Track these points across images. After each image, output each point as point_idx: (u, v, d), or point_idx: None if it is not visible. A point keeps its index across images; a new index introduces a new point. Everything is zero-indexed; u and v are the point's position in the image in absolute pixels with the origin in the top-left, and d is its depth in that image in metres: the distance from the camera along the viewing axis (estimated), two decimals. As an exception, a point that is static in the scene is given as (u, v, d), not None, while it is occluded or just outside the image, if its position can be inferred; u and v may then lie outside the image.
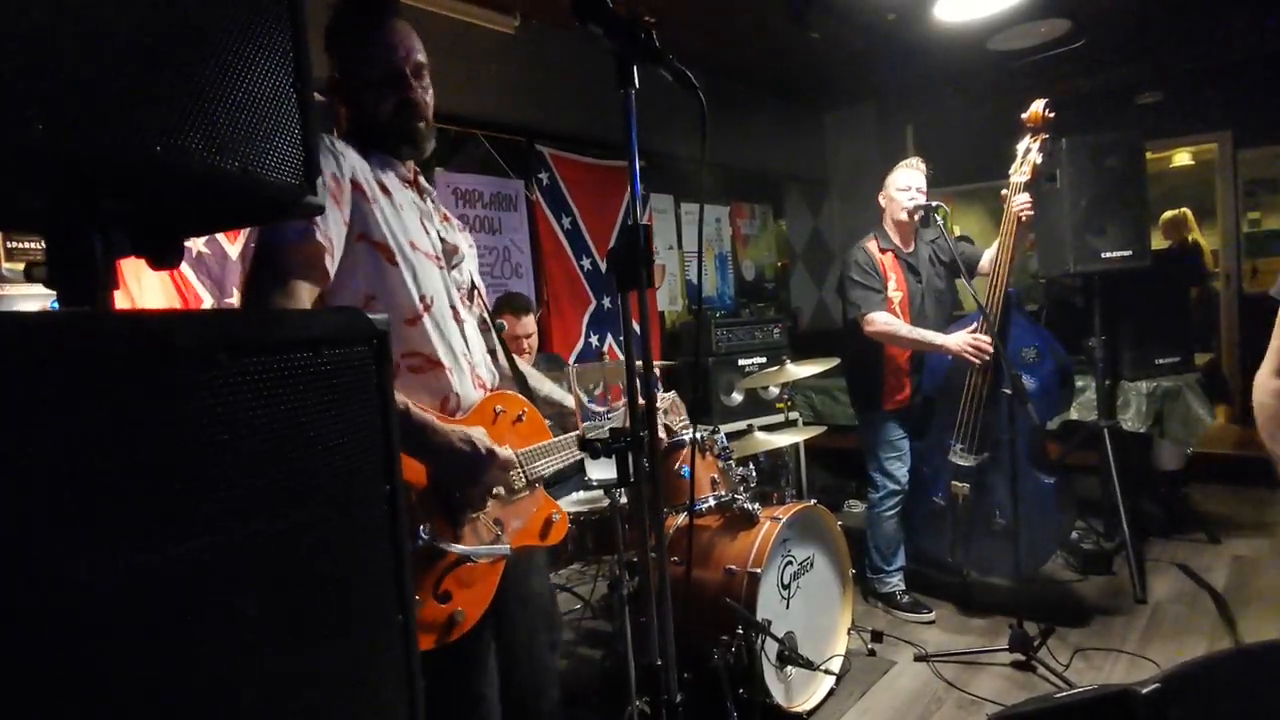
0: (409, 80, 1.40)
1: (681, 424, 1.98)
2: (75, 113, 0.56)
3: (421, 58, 1.43)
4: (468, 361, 1.45)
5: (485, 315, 1.60)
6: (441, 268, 1.44)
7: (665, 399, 1.89)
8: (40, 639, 0.49)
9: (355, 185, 1.30)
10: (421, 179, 1.51)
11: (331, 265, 1.22)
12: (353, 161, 1.32)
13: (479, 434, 1.32)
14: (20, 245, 2.34)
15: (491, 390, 1.51)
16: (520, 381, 1.63)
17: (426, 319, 1.36)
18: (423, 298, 1.36)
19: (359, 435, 0.73)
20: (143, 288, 2.55)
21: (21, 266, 2.17)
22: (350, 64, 1.40)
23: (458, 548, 1.31)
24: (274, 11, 0.73)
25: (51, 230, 0.70)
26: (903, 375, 3.10)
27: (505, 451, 1.37)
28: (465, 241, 1.57)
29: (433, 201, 1.52)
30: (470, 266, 1.56)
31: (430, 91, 1.44)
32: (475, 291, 1.56)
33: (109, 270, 0.71)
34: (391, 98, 1.39)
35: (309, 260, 1.19)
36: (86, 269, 0.69)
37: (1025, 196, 2.82)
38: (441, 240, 1.46)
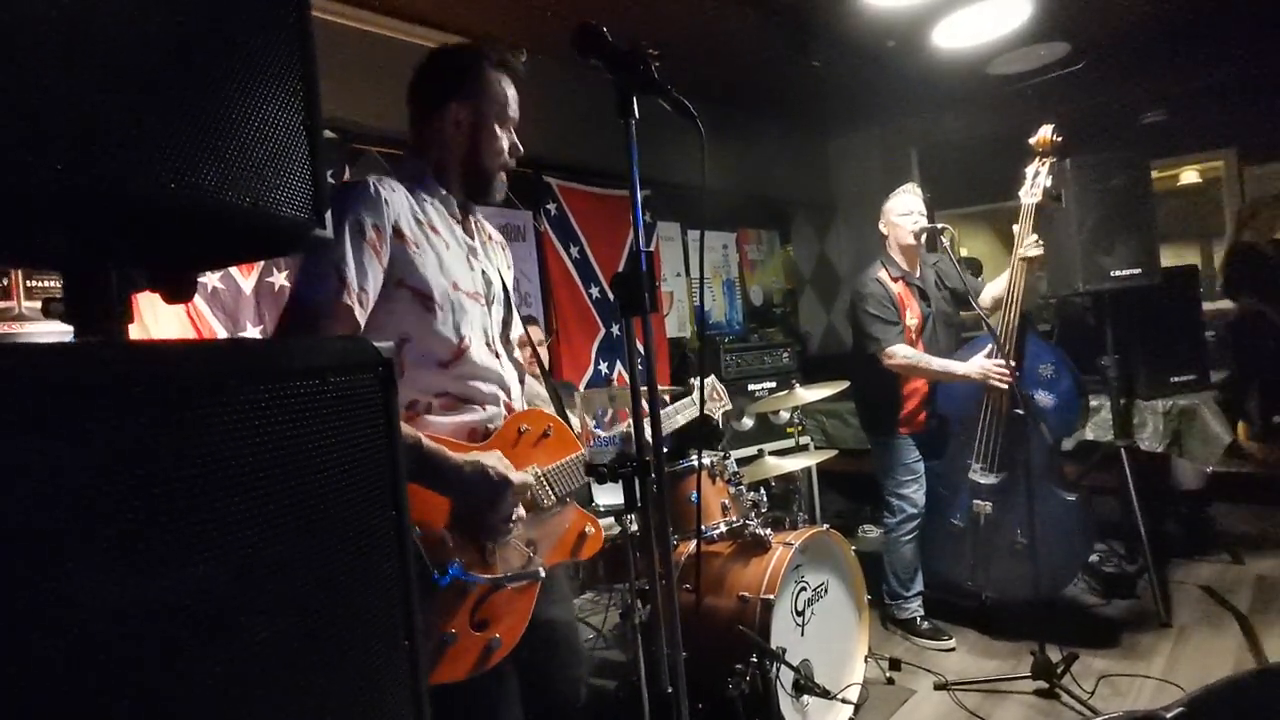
0: (506, 128, 1.48)
1: (721, 407, 1.97)
2: (91, 151, 0.57)
3: (515, 110, 1.50)
4: (503, 396, 1.47)
5: (523, 332, 1.62)
6: (484, 305, 1.45)
7: (704, 385, 1.90)
8: (52, 664, 0.49)
9: (398, 233, 1.32)
10: (474, 218, 1.54)
11: (362, 317, 1.27)
12: (397, 207, 1.34)
13: (493, 460, 1.32)
14: (39, 284, 2.39)
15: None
16: (554, 397, 1.65)
17: (461, 361, 1.38)
18: (460, 339, 1.38)
19: (365, 461, 0.73)
20: (159, 322, 2.58)
21: (39, 304, 2.21)
22: (460, 105, 1.43)
23: (487, 577, 1.31)
24: (284, 50, 0.75)
25: (68, 266, 0.71)
26: (921, 399, 3.09)
27: (521, 476, 1.36)
28: (505, 261, 1.61)
29: (481, 236, 1.55)
30: (508, 280, 1.58)
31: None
32: (510, 306, 1.57)
33: (123, 304, 0.72)
34: (498, 145, 1.46)
35: (338, 318, 1.23)
36: (101, 304, 0.70)
37: (1035, 237, 2.85)
38: (484, 276, 1.48)
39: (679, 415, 1.86)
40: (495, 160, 1.47)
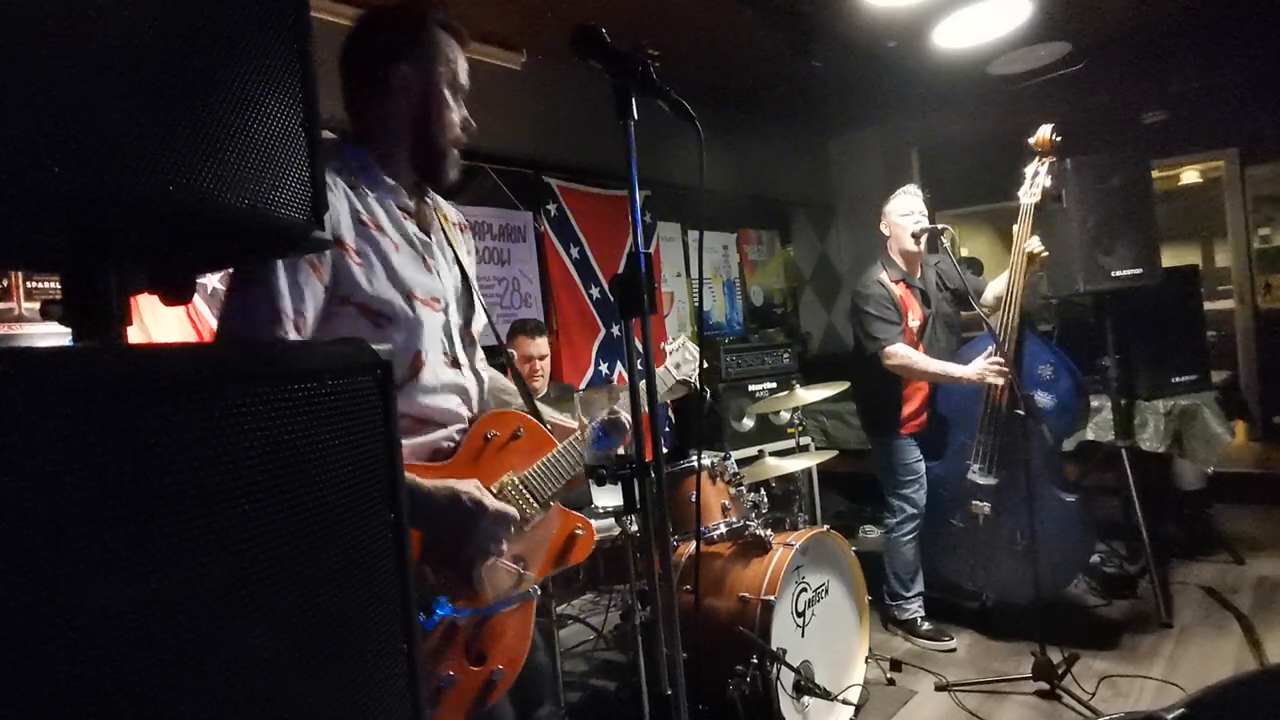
0: (458, 99, 1.32)
1: (692, 369, 1.90)
2: (90, 153, 0.57)
3: (465, 79, 1.33)
4: (465, 410, 1.35)
5: (490, 329, 1.49)
6: (441, 311, 1.31)
7: (675, 344, 1.83)
8: (52, 664, 0.49)
9: (338, 241, 1.17)
10: (429, 204, 1.39)
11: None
12: (335, 210, 1.18)
13: (467, 488, 1.22)
14: (39, 285, 2.39)
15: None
16: (527, 398, 1.52)
17: (417, 380, 1.26)
18: (416, 355, 1.25)
19: (363, 464, 0.73)
20: (159, 324, 2.58)
21: (38, 306, 2.21)
22: (409, 69, 1.27)
23: (474, 611, 1.24)
24: (283, 52, 0.75)
25: (66, 268, 0.71)
26: (922, 400, 3.09)
27: (500, 505, 1.25)
28: (465, 247, 1.46)
29: (438, 221, 1.39)
30: (470, 268, 1.43)
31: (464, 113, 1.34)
32: (471, 302, 1.42)
33: (122, 306, 0.72)
34: (451, 115, 1.30)
35: None
36: (100, 306, 0.70)
37: (1036, 239, 2.85)
38: (440, 276, 1.33)
39: (659, 384, 1.74)
40: (449, 134, 1.30)
